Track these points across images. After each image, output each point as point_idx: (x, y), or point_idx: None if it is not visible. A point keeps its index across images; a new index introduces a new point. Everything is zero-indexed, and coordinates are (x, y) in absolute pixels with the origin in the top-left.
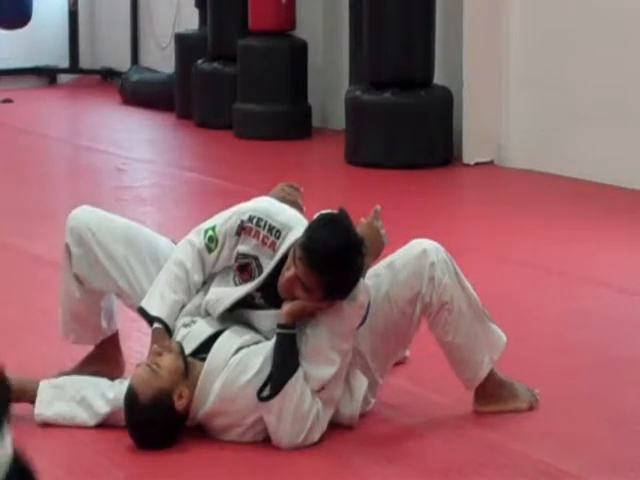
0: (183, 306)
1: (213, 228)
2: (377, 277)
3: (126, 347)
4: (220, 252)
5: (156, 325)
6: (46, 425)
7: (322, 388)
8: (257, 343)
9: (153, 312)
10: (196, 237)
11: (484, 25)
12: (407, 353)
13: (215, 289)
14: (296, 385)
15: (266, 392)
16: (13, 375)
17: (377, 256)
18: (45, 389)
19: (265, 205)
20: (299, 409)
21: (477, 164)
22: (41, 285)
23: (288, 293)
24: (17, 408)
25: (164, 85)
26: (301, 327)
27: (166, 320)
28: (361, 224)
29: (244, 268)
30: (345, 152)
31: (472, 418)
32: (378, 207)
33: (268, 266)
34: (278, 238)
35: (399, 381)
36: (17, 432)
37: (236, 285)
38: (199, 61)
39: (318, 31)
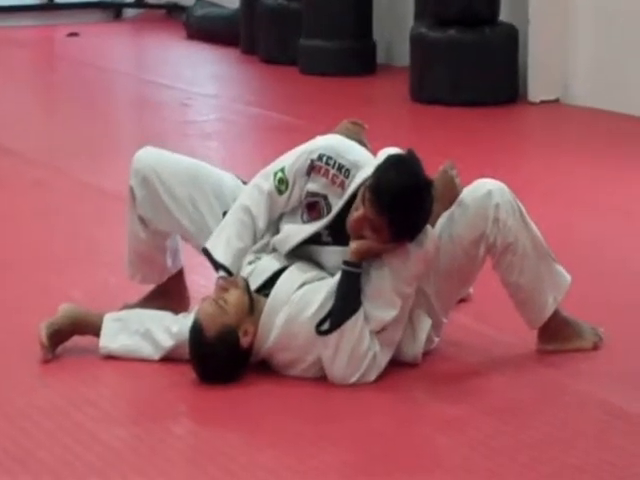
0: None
1: (282, 170)
2: (442, 218)
3: (190, 281)
4: (291, 193)
5: (222, 273)
6: (110, 358)
7: (382, 329)
8: (321, 280)
9: (219, 258)
10: (264, 181)
11: None
12: (471, 290)
13: (283, 226)
14: (356, 324)
15: (325, 326)
16: (79, 308)
17: (450, 205)
18: (109, 322)
19: (335, 143)
20: (356, 348)
21: (542, 102)
22: (107, 219)
23: (356, 233)
24: (82, 341)
25: (229, 20)
26: (366, 268)
27: (231, 269)
28: (437, 172)
29: (313, 206)
30: (409, 89)
31: (535, 357)
32: (450, 161)
33: (337, 205)
34: (347, 177)
35: (462, 319)
36: (82, 364)
37: (304, 223)
38: None
39: None
